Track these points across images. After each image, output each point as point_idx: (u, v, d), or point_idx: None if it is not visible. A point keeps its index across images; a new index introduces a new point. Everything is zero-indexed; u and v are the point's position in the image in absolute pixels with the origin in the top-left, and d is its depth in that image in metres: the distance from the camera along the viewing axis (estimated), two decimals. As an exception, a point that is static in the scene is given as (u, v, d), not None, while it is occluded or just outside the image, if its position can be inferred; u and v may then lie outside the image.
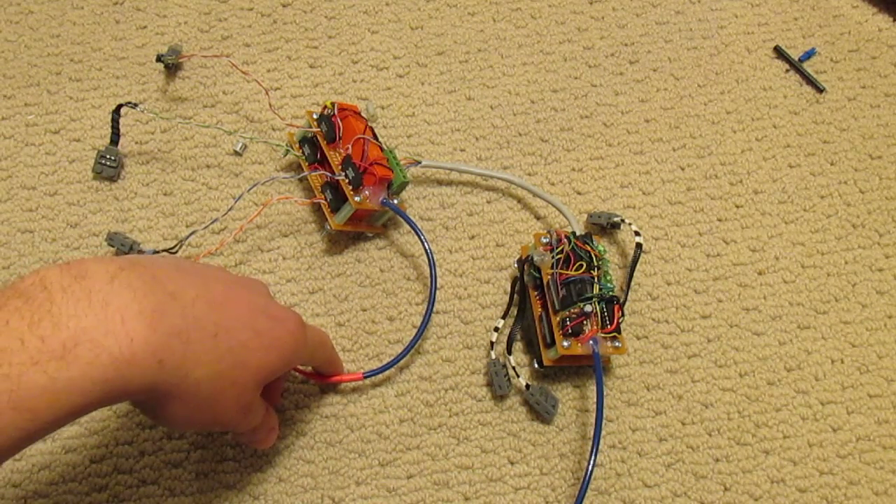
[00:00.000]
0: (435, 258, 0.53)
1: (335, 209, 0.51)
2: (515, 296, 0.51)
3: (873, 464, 0.49)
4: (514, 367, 0.49)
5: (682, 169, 0.57)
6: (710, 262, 0.54)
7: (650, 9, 0.62)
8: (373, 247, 0.54)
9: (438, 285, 0.53)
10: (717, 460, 0.49)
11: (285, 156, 0.55)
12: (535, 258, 0.49)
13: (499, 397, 0.49)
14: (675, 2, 0.63)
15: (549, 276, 0.48)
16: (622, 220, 0.53)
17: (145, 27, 0.60)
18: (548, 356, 0.48)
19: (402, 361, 0.51)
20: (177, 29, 0.60)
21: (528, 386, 0.48)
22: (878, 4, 0.63)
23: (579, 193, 0.56)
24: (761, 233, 0.55)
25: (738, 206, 0.56)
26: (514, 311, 0.51)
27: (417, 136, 0.57)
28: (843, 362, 0.51)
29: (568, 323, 0.46)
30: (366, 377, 0.48)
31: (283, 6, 0.61)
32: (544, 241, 0.50)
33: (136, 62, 0.59)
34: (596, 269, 0.48)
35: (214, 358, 0.35)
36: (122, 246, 0.52)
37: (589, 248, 0.48)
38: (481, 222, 0.55)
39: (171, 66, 0.58)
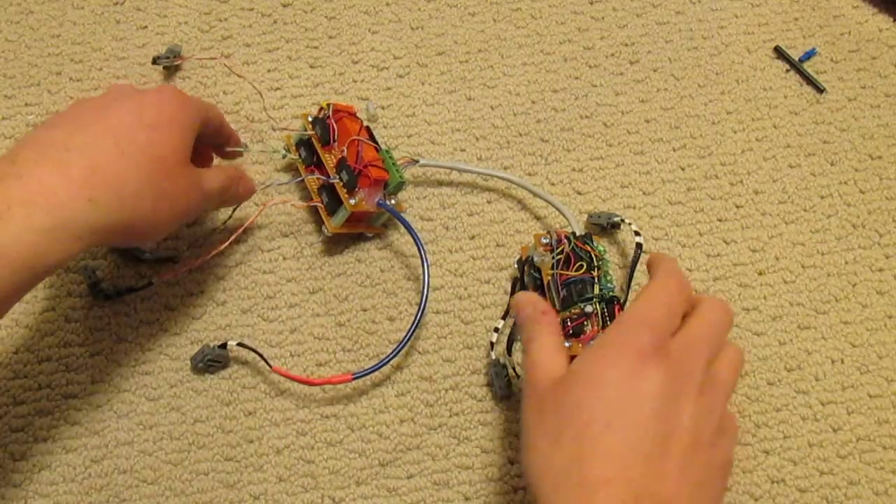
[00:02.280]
0: (429, 258, 0.53)
1: (332, 212, 0.51)
2: None
3: (873, 464, 0.49)
4: (514, 368, 0.49)
5: (683, 169, 0.57)
6: (711, 262, 0.54)
7: (650, 9, 0.62)
8: (373, 247, 0.54)
9: (438, 285, 0.53)
10: (718, 460, 0.49)
11: (284, 158, 0.55)
12: (536, 259, 0.49)
13: (500, 398, 0.49)
14: (675, 2, 0.63)
15: (550, 277, 0.48)
16: (622, 220, 0.53)
17: (146, 27, 0.60)
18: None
19: (401, 361, 0.51)
20: (177, 29, 0.60)
21: None
22: (878, 4, 0.63)
23: (579, 193, 0.56)
24: (761, 233, 0.55)
25: (738, 207, 0.56)
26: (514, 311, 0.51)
27: (418, 136, 0.57)
28: (843, 362, 0.51)
29: (569, 324, 0.46)
30: (355, 378, 0.47)
31: (284, 6, 0.61)
32: (544, 241, 0.50)
33: (136, 62, 0.59)
34: (596, 270, 0.48)
35: (133, 167, 0.40)
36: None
37: (589, 249, 0.48)
38: (481, 222, 0.55)
39: (170, 67, 0.58)
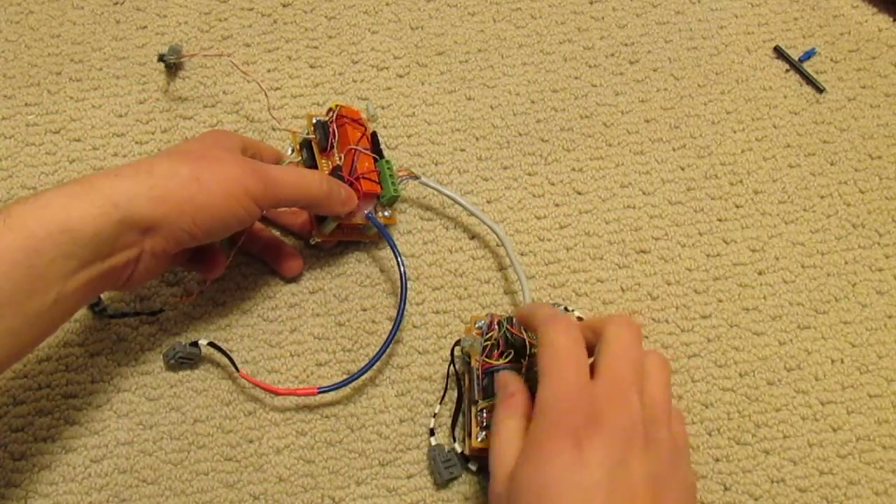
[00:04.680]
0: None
1: (321, 219, 0.50)
2: (452, 380, 0.49)
3: (873, 464, 0.49)
4: (459, 454, 0.47)
5: (682, 169, 0.57)
6: (710, 262, 0.54)
7: (650, 9, 0.62)
8: (373, 247, 0.54)
9: (438, 285, 0.53)
10: (717, 460, 0.49)
11: (290, 154, 0.54)
12: (465, 343, 0.47)
13: (439, 485, 0.47)
14: (675, 2, 0.63)
15: (477, 364, 0.46)
16: (566, 309, 0.49)
17: (145, 27, 0.60)
18: (468, 445, 0.46)
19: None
20: (177, 29, 0.60)
21: (479, 469, 0.47)
22: (878, 4, 0.63)
23: (579, 193, 0.56)
24: (761, 233, 0.55)
25: (738, 206, 0.56)
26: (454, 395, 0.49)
27: (417, 136, 0.57)
28: (843, 362, 0.51)
29: (485, 415, 0.44)
30: (320, 392, 0.47)
31: (284, 6, 0.61)
32: (478, 325, 0.48)
33: (136, 62, 0.59)
34: (527, 358, 0.45)
35: (163, 156, 0.43)
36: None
37: (523, 335, 0.45)
38: (481, 222, 0.55)
39: (173, 65, 0.58)
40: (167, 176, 0.41)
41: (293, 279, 0.52)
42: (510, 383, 0.43)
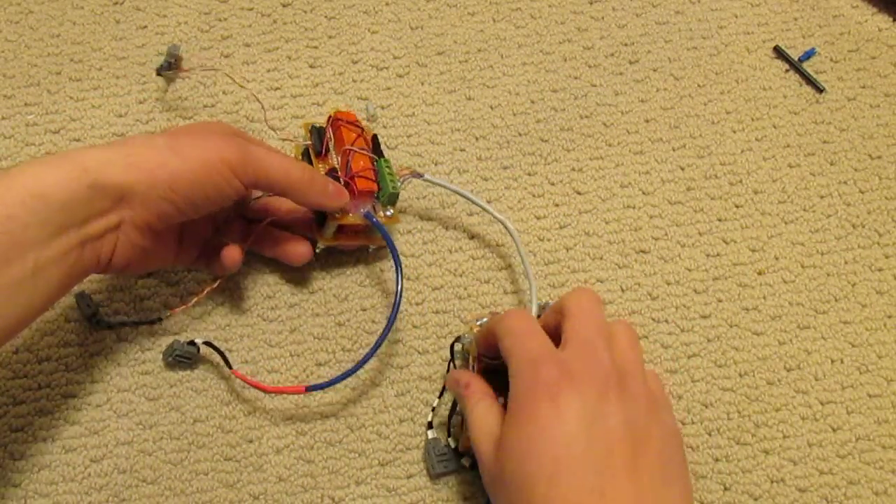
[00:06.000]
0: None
1: (322, 222, 0.50)
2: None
3: (873, 464, 0.49)
4: (453, 449, 0.47)
5: (682, 169, 0.57)
6: (710, 261, 0.54)
7: (650, 9, 0.62)
8: (374, 247, 0.54)
9: (438, 285, 0.53)
10: (717, 460, 0.49)
11: None
12: (464, 341, 0.47)
13: (433, 476, 0.47)
14: (675, 2, 0.63)
15: (475, 361, 0.46)
16: None
17: (145, 27, 0.60)
18: (462, 442, 0.46)
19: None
20: (177, 29, 0.60)
21: (472, 465, 0.46)
22: (878, 4, 0.63)
23: (579, 193, 0.56)
24: (761, 233, 0.55)
25: (737, 206, 0.56)
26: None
27: (417, 136, 0.57)
28: (842, 362, 0.51)
29: None
30: (308, 391, 0.46)
31: (283, 6, 0.62)
32: (479, 322, 0.47)
33: (136, 62, 0.59)
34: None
35: (142, 136, 0.43)
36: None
37: None
38: (481, 222, 0.55)
39: (173, 79, 0.58)
40: (143, 145, 0.41)
41: (303, 266, 0.52)
42: (461, 377, 0.44)
